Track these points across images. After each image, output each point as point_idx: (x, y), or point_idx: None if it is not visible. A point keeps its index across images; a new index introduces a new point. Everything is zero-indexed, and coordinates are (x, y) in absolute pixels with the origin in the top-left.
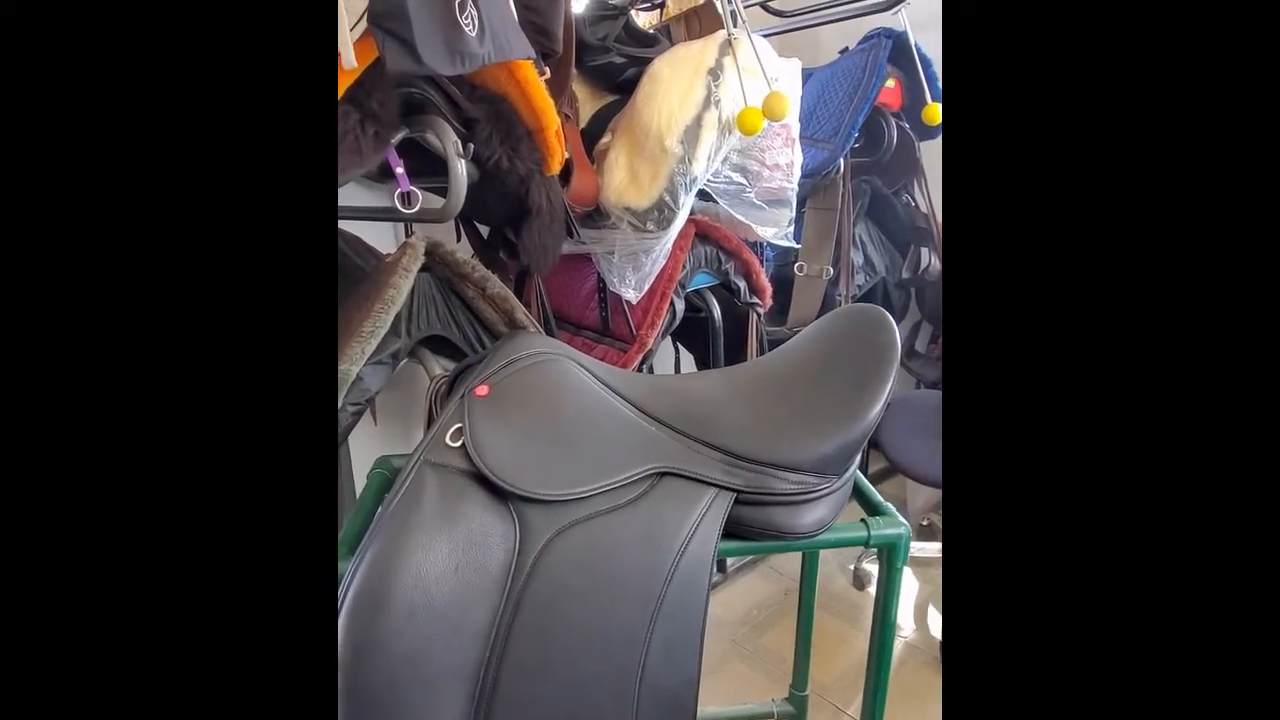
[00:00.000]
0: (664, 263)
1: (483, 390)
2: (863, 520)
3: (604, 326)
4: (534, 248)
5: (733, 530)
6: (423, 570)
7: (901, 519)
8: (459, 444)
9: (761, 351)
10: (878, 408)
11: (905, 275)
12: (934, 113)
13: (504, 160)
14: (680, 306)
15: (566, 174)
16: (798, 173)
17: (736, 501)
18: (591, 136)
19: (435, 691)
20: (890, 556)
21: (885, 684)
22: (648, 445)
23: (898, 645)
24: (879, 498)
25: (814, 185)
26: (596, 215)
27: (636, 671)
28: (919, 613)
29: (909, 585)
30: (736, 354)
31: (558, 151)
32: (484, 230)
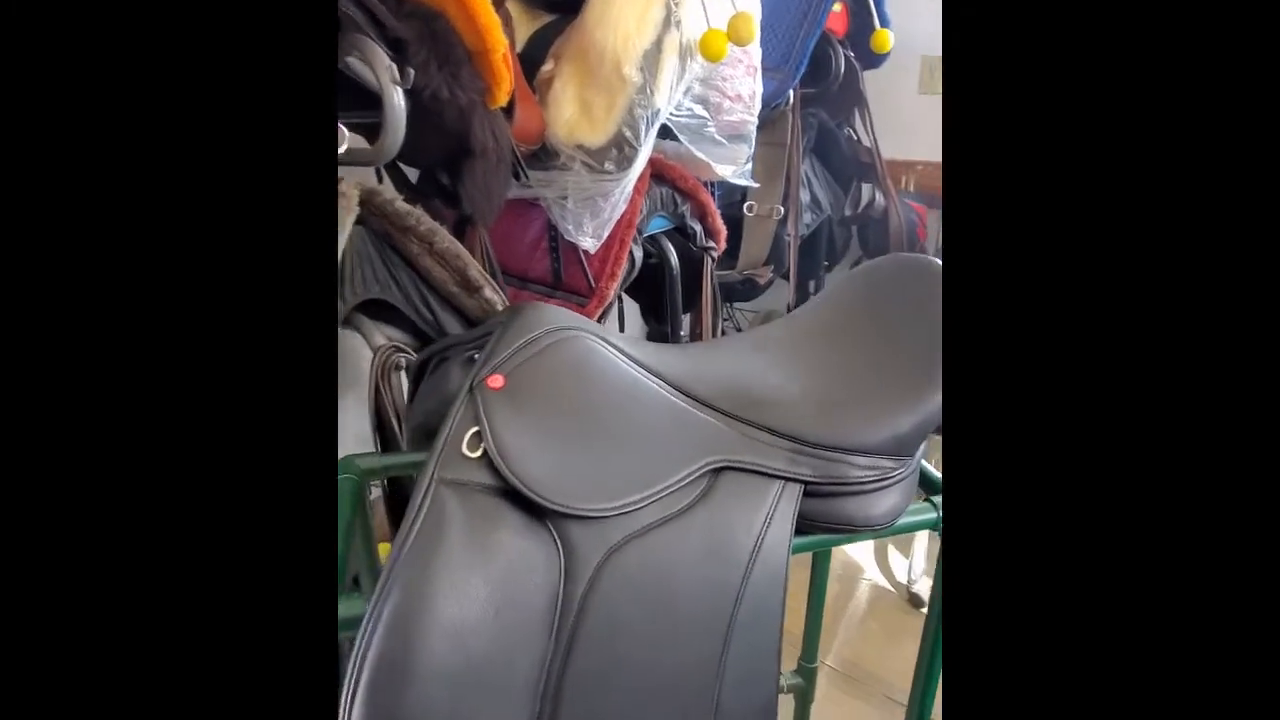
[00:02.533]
0: (624, 207)
1: (497, 381)
2: (929, 500)
3: (556, 280)
4: (478, 193)
5: (797, 526)
6: (458, 621)
7: None
8: (479, 453)
9: (715, 300)
10: None
11: (848, 213)
12: (883, 39)
13: (442, 89)
14: (639, 255)
15: (509, 108)
16: (759, 104)
17: (804, 494)
18: (530, 63)
19: None
20: None
21: (936, 678)
22: (699, 435)
23: (865, 588)
24: (938, 474)
25: (762, 119)
26: (544, 155)
27: (711, 710)
28: (879, 555)
29: None
30: (688, 302)
31: (505, 78)
32: (412, 174)
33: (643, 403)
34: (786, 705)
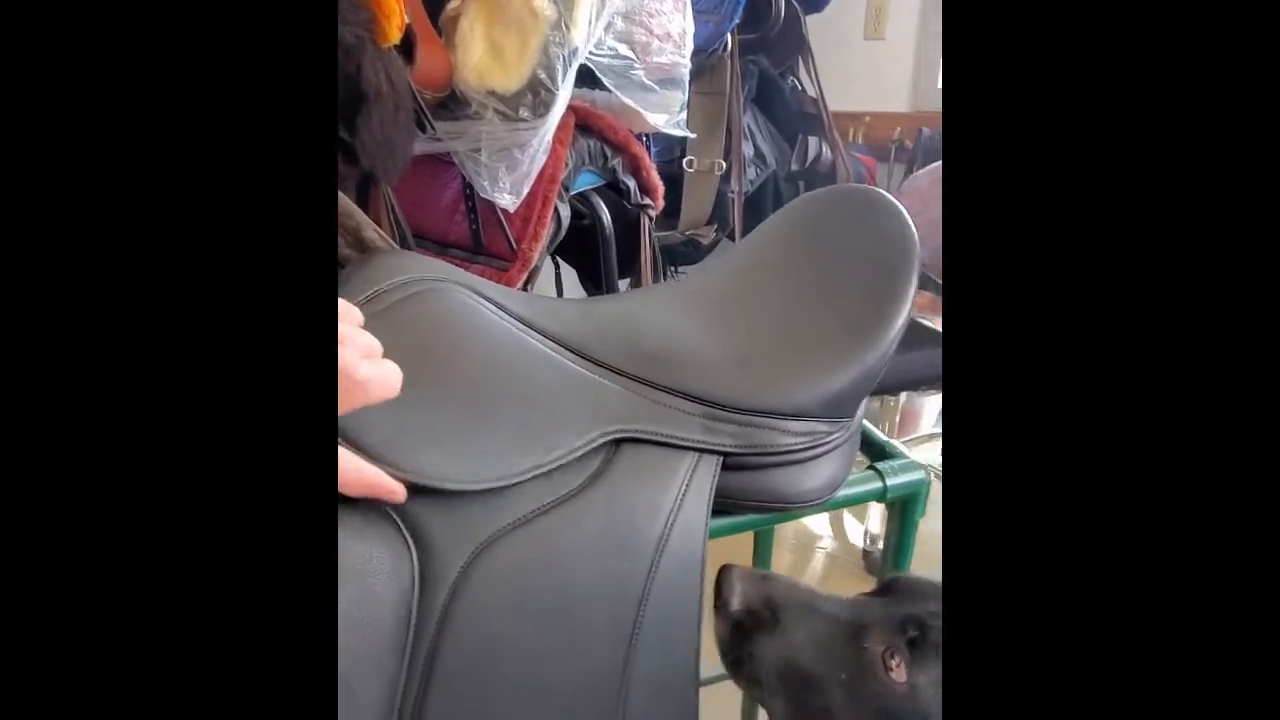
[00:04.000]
0: (544, 159)
1: None
2: (872, 468)
3: (475, 243)
4: (376, 145)
5: (717, 506)
6: None
7: (920, 461)
8: None
9: (655, 262)
10: (900, 322)
11: (795, 167)
12: None
13: None
14: (566, 213)
15: (409, 50)
16: (690, 44)
17: (723, 467)
18: (435, 1)
19: None
20: (907, 509)
21: None
22: (595, 402)
23: (819, 556)
24: (881, 435)
25: (699, 65)
26: (453, 103)
27: None
28: (835, 524)
29: None
30: (626, 266)
31: (394, 10)
32: None
33: (524, 363)
34: (734, 692)
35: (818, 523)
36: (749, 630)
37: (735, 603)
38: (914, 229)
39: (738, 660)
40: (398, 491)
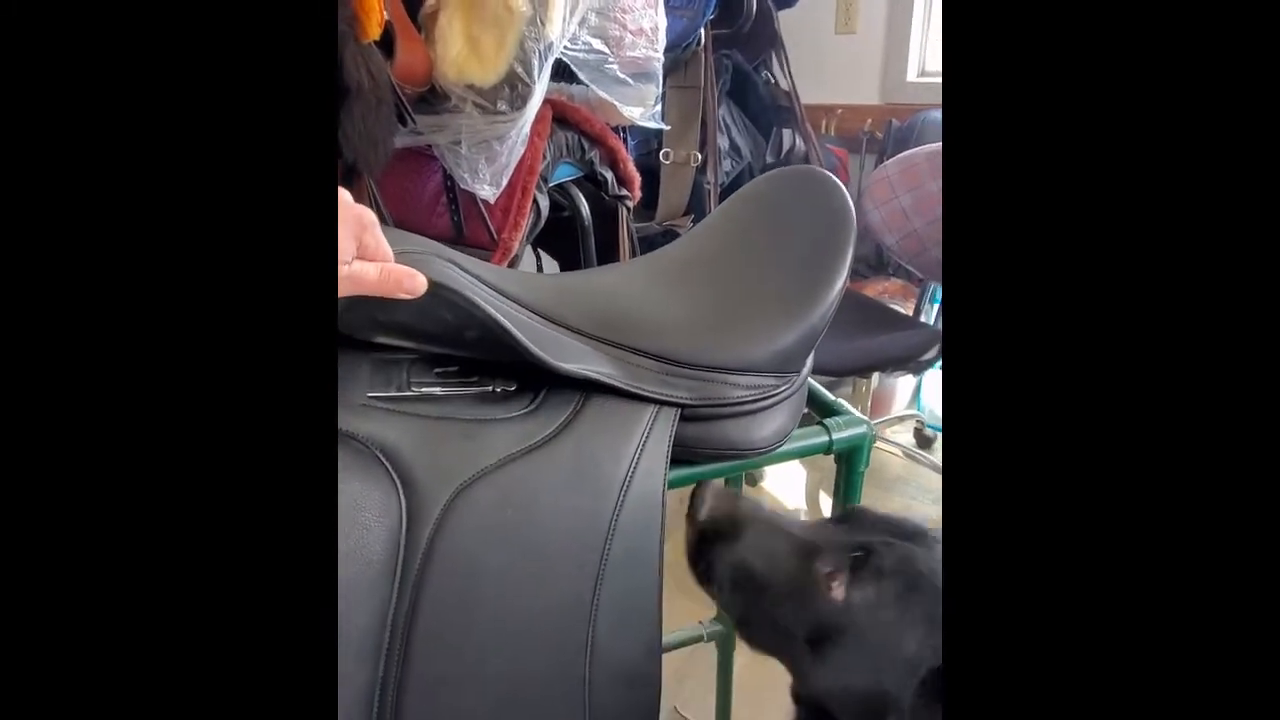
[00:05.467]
0: (522, 151)
1: None
2: (820, 423)
3: (457, 233)
4: (359, 137)
5: (678, 456)
6: None
7: (862, 416)
8: None
9: (634, 252)
10: (839, 284)
11: (769, 159)
12: None
13: None
14: (545, 204)
15: (389, 45)
16: (663, 39)
17: (680, 418)
18: None
19: None
20: (851, 461)
21: None
22: (566, 353)
23: None
24: (829, 395)
25: (674, 60)
26: (433, 97)
27: (584, 652)
28: (811, 500)
29: (798, 473)
30: (605, 256)
31: (374, 7)
32: None
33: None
34: (709, 654)
35: (793, 496)
36: (711, 539)
37: (702, 513)
38: (850, 202)
39: (700, 565)
40: (418, 276)
